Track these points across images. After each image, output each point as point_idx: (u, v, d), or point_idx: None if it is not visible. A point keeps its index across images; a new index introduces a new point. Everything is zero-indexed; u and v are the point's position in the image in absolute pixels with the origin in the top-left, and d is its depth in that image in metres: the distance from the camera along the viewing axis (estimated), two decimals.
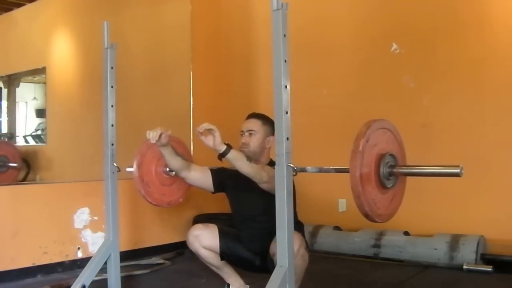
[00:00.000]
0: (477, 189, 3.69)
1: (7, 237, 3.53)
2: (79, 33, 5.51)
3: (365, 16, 4.23)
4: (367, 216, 1.77)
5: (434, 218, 3.84)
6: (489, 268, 3.41)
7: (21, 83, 6.07)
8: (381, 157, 1.78)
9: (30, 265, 3.62)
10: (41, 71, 5.82)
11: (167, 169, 2.79)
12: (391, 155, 1.81)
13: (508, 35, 3.60)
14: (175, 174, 2.75)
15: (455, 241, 3.61)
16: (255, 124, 2.62)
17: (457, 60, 3.79)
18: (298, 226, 2.26)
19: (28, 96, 6.04)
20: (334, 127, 4.40)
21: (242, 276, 2.79)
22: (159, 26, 4.96)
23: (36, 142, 5.85)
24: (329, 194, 4.37)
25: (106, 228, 2.81)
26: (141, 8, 5.05)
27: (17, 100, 6.03)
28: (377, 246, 3.91)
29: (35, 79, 6.12)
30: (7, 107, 6.15)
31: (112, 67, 2.76)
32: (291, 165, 1.85)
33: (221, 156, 2.26)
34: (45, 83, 5.83)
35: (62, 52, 5.75)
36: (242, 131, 2.63)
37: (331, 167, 2.03)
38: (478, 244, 3.51)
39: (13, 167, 5.04)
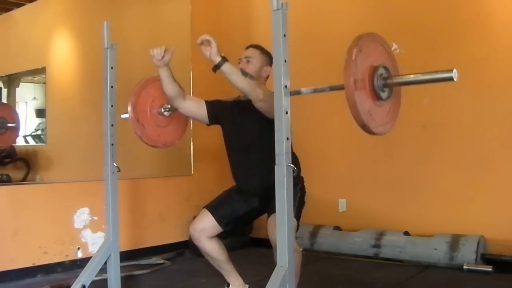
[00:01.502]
0: (477, 189, 3.69)
1: (7, 237, 3.53)
2: (79, 33, 5.50)
3: (364, 16, 4.22)
4: (363, 126, 1.77)
5: (434, 218, 3.84)
6: (489, 268, 3.41)
7: (21, 83, 6.06)
8: (374, 69, 1.79)
9: (30, 265, 3.62)
10: (41, 71, 5.81)
11: (162, 109, 2.79)
12: (384, 67, 1.83)
13: (508, 35, 3.59)
14: (169, 111, 2.77)
15: (455, 241, 3.60)
16: (252, 52, 2.64)
17: (457, 60, 3.78)
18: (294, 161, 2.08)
19: (28, 96, 6.03)
20: (335, 127, 4.40)
21: (242, 275, 2.78)
22: (159, 26, 4.95)
23: (36, 142, 5.83)
24: (329, 194, 4.38)
25: (106, 228, 2.81)
26: (141, 8, 5.04)
27: (17, 100, 6.02)
28: (377, 246, 3.91)
29: (35, 79, 6.11)
30: None
31: (112, 67, 2.76)
32: (291, 165, 1.85)
33: (216, 68, 2.25)
34: (45, 83, 5.82)
35: (62, 52, 5.74)
36: (239, 59, 2.64)
37: (325, 86, 2.01)
38: (478, 244, 3.51)
39: (11, 128, 5.03)
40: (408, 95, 4.00)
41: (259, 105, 2.32)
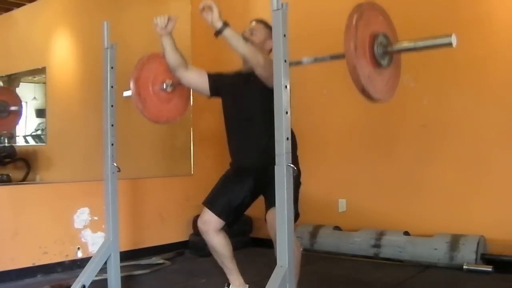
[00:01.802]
0: (477, 189, 3.69)
1: (7, 237, 3.53)
2: (79, 33, 5.49)
3: None
4: (363, 91, 1.78)
5: (434, 218, 3.84)
6: (489, 268, 3.41)
7: (21, 83, 6.06)
8: (374, 36, 1.82)
9: (30, 265, 3.62)
10: (41, 71, 5.81)
11: (164, 85, 2.83)
12: (384, 35, 1.86)
13: (508, 34, 3.59)
14: (172, 87, 2.80)
15: (455, 241, 3.60)
16: (257, 26, 2.66)
17: (457, 60, 3.79)
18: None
19: (28, 96, 6.03)
20: (335, 127, 4.40)
21: (242, 275, 2.78)
22: None
23: (36, 142, 5.83)
24: (329, 194, 4.38)
25: (106, 228, 2.81)
26: (141, 8, 5.04)
27: None
28: (377, 246, 3.91)
29: (35, 79, 6.11)
30: None
31: (112, 67, 2.76)
32: (291, 165, 1.85)
33: (218, 33, 2.26)
34: (45, 83, 5.82)
35: (62, 52, 5.74)
36: (244, 32, 2.65)
37: (326, 55, 2.05)
38: (478, 244, 3.51)
39: (14, 111, 5.03)
40: (408, 95, 4.03)
41: (259, 71, 2.33)
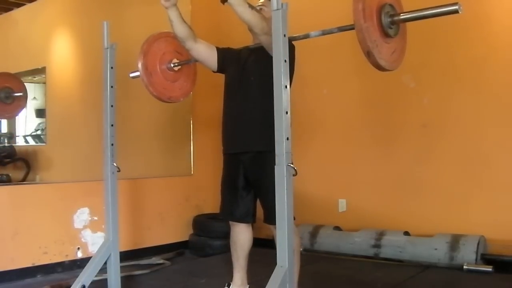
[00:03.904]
0: (477, 189, 3.69)
1: (7, 237, 3.53)
2: (79, 33, 5.49)
3: None
4: (368, 54, 1.81)
5: (434, 218, 3.84)
6: (489, 268, 3.41)
7: None
8: (381, 6, 1.87)
9: (30, 265, 3.62)
10: (41, 71, 5.80)
11: (171, 64, 2.86)
12: (390, 5, 1.91)
13: (508, 34, 3.59)
14: (179, 66, 2.84)
15: (455, 241, 3.60)
16: (266, 1, 2.64)
17: (457, 60, 3.79)
18: None
19: (28, 96, 6.03)
20: (335, 127, 4.40)
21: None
22: (159, 26, 4.93)
23: (36, 142, 5.83)
24: (329, 194, 4.37)
25: (106, 228, 2.81)
26: (141, 8, 5.04)
27: None
28: (377, 246, 3.91)
29: (35, 79, 6.11)
30: None
31: (112, 67, 2.76)
32: (291, 165, 1.85)
33: (224, 0, 2.25)
34: (45, 83, 5.82)
35: (62, 52, 5.73)
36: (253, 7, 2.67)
37: (334, 28, 2.09)
38: (478, 244, 3.51)
39: (18, 97, 4.98)
40: (408, 95, 4.02)
41: (263, 38, 2.33)
